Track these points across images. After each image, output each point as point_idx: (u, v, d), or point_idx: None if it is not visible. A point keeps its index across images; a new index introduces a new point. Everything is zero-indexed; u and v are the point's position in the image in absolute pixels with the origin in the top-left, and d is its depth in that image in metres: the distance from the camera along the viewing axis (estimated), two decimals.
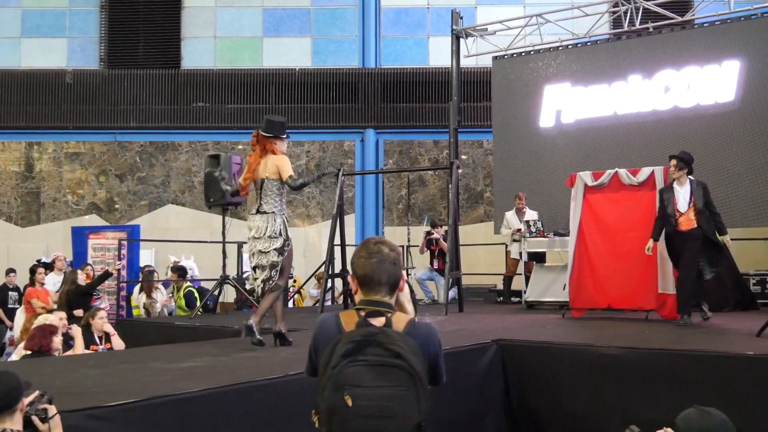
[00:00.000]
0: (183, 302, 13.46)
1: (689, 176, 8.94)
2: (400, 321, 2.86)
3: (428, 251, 13.94)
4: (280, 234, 7.47)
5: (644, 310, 9.65)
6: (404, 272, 3.07)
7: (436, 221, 14.15)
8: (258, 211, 7.59)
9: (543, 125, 15.37)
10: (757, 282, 12.17)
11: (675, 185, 8.90)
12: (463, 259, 11.76)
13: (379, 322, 2.82)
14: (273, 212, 7.52)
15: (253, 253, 7.53)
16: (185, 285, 13.55)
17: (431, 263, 13.86)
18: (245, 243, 8.18)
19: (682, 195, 8.83)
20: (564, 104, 15.20)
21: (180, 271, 14.06)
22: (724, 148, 13.51)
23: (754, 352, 5.96)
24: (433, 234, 13.68)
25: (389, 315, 2.86)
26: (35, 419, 3.52)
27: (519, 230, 12.99)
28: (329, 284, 13.19)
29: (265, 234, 7.50)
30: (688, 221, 8.74)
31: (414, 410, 2.62)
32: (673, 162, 8.90)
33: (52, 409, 3.58)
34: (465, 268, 11.89)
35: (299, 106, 19.56)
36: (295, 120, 19.55)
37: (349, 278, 3.01)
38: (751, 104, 13.37)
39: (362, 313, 2.85)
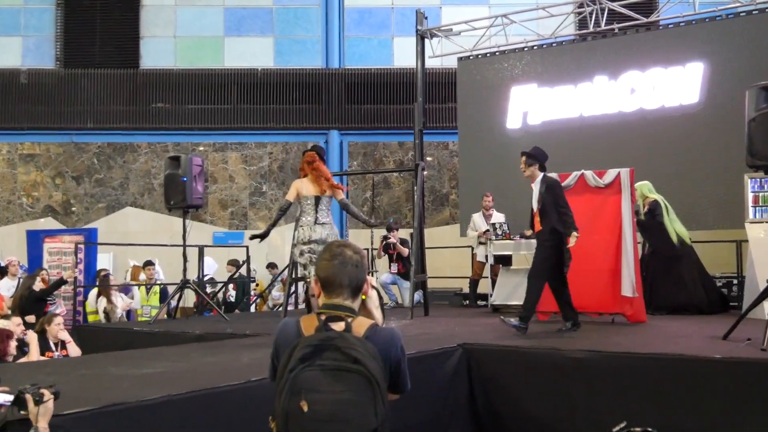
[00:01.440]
0: (158, 299, 13.41)
1: (544, 173, 8.78)
2: (360, 325, 2.86)
3: (386, 255, 13.97)
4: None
5: (610, 313, 9.72)
6: (369, 276, 3.07)
7: (392, 225, 14.19)
8: (317, 222, 9.32)
9: (510, 126, 15.45)
10: (723, 285, 12.32)
11: (532, 184, 8.81)
12: (429, 262, 11.78)
13: (339, 326, 2.82)
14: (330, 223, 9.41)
15: (311, 259, 9.15)
16: (154, 286, 13.57)
17: (390, 267, 13.90)
18: (207, 246, 9.07)
19: (534, 193, 8.73)
20: (530, 105, 15.29)
21: (234, 264, 14.79)
22: (689, 149, 13.68)
23: (722, 355, 6.02)
24: (389, 238, 13.71)
25: (350, 319, 2.85)
26: (29, 398, 3.46)
27: (486, 232, 13.03)
28: (292, 288, 13.13)
29: (327, 239, 9.11)
30: (537, 222, 8.69)
31: (370, 416, 2.62)
32: (523, 158, 8.81)
33: (48, 395, 3.52)
34: (430, 271, 11.90)
35: (262, 107, 19.48)
36: (257, 121, 19.47)
37: (312, 281, 3.03)
38: (715, 106, 13.54)
39: (323, 317, 2.85)
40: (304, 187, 9.37)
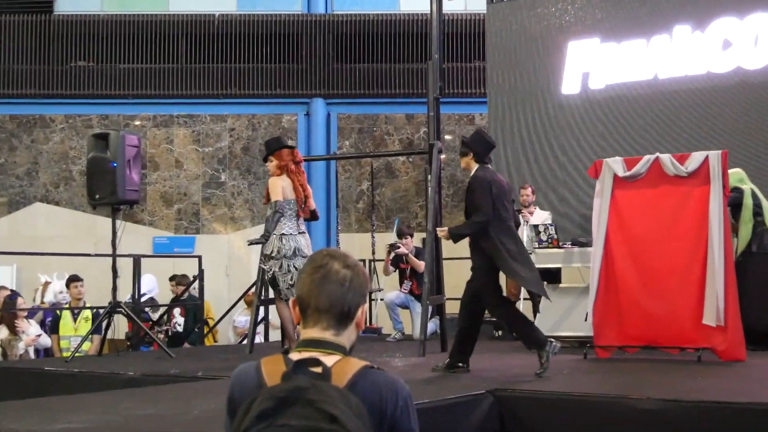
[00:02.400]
0: (89, 326, 13.38)
1: (485, 165, 9.18)
2: (345, 370, 2.83)
3: (396, 271, 13.85)
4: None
5: (695, 348, 9.72)
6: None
7: (404, 229, 14.09)
8: (299, 232, 10.38)
9: (566, 92, 15.38)
10: None
11: None
12: (448, 279, 11.76)
13: (314, 371, 2.80)
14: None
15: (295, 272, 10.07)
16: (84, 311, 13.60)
17: (401, 285, 13.79)
18: (145, 256, 9.28)
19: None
20: (591, 64, 15.25)
21: (181, 281, 15.16)
22: None
23: None
24: (399, 247, 13.55)
25: (331, 361, 2.84)
26: None
27: (519, 212, 13.09)
28: (261, 313, 13.13)
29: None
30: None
31: None
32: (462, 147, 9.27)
33: None
34: (450, 290, 11.88)
35: (220, 67, 19.49)
36: (214, 86, 19.48)
37: (290, 303, 3.02)
38: None
39: (293, 358, 2.83)
40: (288, 188, 10.20)
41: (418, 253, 13.65)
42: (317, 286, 2.90)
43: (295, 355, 2.86)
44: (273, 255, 10.18)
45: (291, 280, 10.07)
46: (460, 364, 8.98)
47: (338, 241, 18.03)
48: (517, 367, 9.49)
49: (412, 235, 14.09)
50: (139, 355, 12.39)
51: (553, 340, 8.71)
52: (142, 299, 14.23)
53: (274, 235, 10.18)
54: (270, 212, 10.25)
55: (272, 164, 10.39)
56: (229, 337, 16.62)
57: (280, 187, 10.18)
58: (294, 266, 10.15)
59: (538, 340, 8.64)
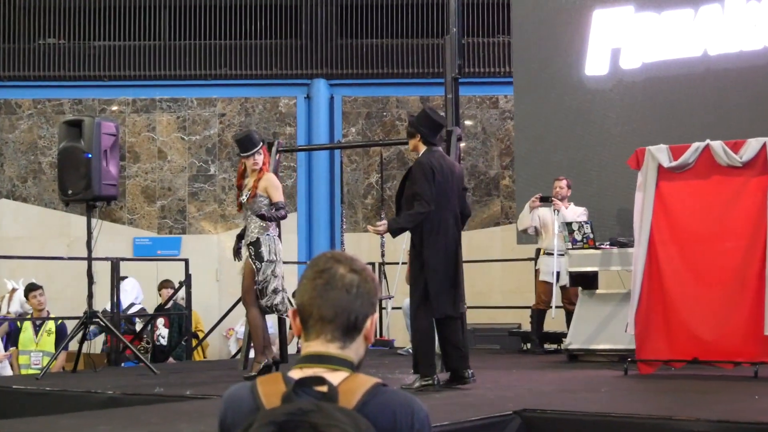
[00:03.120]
0: (53, 341, 13.39)
1: (433, 147, 9.37)
2: (354, 388, 2.82)
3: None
4: None
5: (752, 362, 9.70)
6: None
7: None
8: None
9: (591, 73, 15.38)
10: None
11: None
12: (470, 284, 11.76)
13: (319, 390, 2.79)
14: None
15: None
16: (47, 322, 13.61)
17: None
18: (125, 260, 9.33)
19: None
20: (624, 39, 15.21)
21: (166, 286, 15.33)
22: None
23: None
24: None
25: (338, 378, 2.83)
26: None
27: (545, 201, 13.15)
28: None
29: None
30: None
31: None
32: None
33: None
34: (473, 297, 11.89)
35: (208, 44, 19.50)
36: (201, 65, 19.49)
37: (290, 313, 3.00)
38: None
39: (294, 376, 2.83)
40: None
41: None
42: (320, 293, 2.86)
43: (296, 373, 2.84)
44: (271, 258, 10.30)
45: (279, 285, 10.31)
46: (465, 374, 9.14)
47: (343, 242, 17.97)
48: (547, 384, 9.49)
49: None
50: (119, 372, 12.39)
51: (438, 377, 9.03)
52: (132, 310, 14.25)
53: (268, 237, 10.33)
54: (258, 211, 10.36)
55: (261, 157, 10.53)
56: (230, 350, 16.65)
57: (279, 186, 10.40)
58: (281, 269, 10.45)
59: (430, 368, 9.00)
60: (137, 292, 15.49)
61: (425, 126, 9.34)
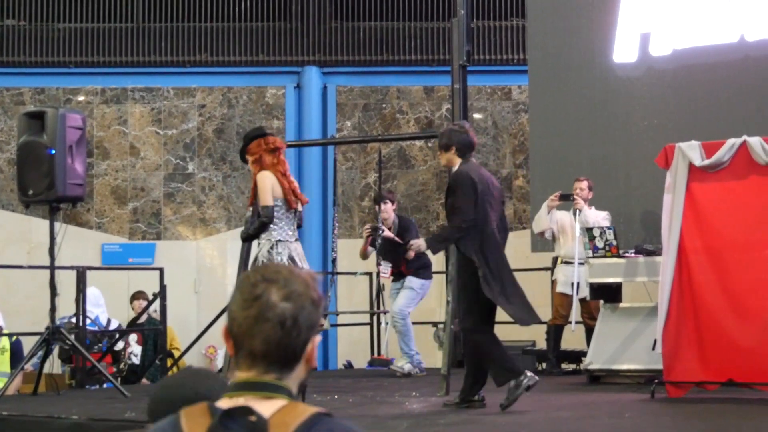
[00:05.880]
0: (8, 361, 13.39)
1: (469, 159, 9.74)
2: (288, 419, 2.82)
3: (373, 251, 13.92)
4: None
5: None
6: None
7: (384, 193, 14.19)
8: (297, 238, 10.80)
9: (619, 60, 15.38)
10: None
11: None
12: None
13: (249, 421, 2.81)
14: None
15: None
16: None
17: (378, 266, 13.83)
18: (92, 269, 9.30)
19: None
20: (654, 23, 15.21)
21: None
22: None
23: None
24: (383, 231, 13.56)
25: (270, 409, 2.83)
26: None
27: (564, 198, 13.17)
28: None
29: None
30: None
31: None
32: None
33: None
34: None
35: (186, 26, 19.52)
36: (178, 50, 19.50)
37: (222, 330, 2.99)
38: None
39: (223, 407, 2.84)
40: (277, 184, 10.32)
41: (403, 227, 13.70)
42: (250, 326, 2.87)
43: (224, 403, 2.84)
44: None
45: None
46: (475, 398, 9.30)
47: (335, 250, 17.97)
48: (565, 409, 9.49)
49: (393, 201, 14.13)
50: (85, 394, 12.38)
51: (529, 373, 9.17)
52: (92, 323, 14.22)
53: (267, 241, 10.39)
54: (249, 216, 10.58)
55: (249, 161, 10.69)
56: (217, 365, 16.65)
57: (268, 184, 10.31)
58: None
59: (513, 369, 9.16)
60: (97, 300, 15.37)
61: (460, 141, 9.67)
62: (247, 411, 2.78)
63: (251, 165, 10.55)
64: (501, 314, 16.45)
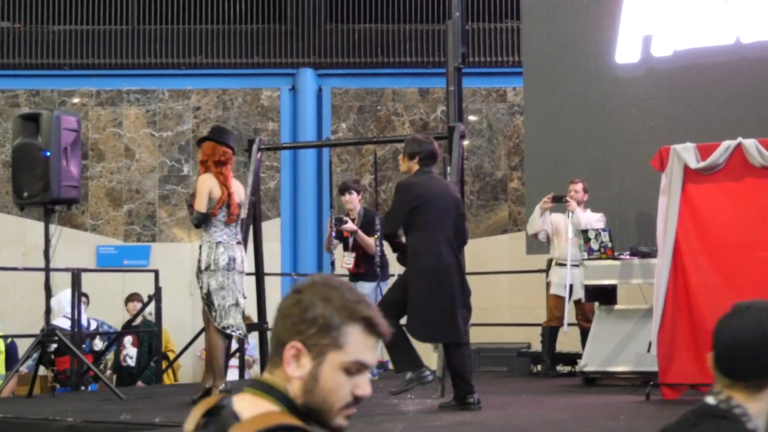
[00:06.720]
0: (2, 363, 13.37)
1: (426, 169, 9.91)
2: (249, 425, 2.85)
3: (340, 244, 13.83)
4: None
5: None
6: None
7: (350, 183, 14.11)
8: (238, 241, 10.86)
9: (621, 60, 15.34)
10: None
11: None
12: (474, 299, 11.75)
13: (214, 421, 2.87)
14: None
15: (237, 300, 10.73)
16: None
17: (345, 262, 13.73)
18: (87, 271, 9.40)
19: None
20: (655, 25, 15.18)
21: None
22: None
23: None
24: (346, 223, 13.36)
25: (259, 409, 2.86)
26: None
27: (557, 200, 13.14)
28: (234, 344, 13.12)
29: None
30: None
31: None
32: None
33: None
34: (478, 313, 11.87)
35: (182, 28, 19.51)
36: (173, 53, 19.49)
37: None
38: None
39: (231, 401, 2.89)
40: (217, 188, 10.54)
41: (367, 219, 13.59)
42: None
43: (238, 397, 2.92)
44: (209, 267, 10.43)
45: (230, 299, 10.49)
46: (470, 400, 9.39)
47: (333, 252, 17.96)
48: (560, 411, 9.50)
49: (359, 191, 14.04)
50: (80, 396, 12.38)
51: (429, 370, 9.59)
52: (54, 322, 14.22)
53: (208, 243, 10.53)
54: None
55: (203, 156, 10.84)
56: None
57: (207, 191, 10.49)
58: (233, 280, 10.53)
59: (416, 361, 9.57)
60: (63, 305, 15.26)
61: (425, 151, 9.84)
62: (217, 409, 2.84)
63: (199, 164, 10.84)
64: (499, 316, 16.48)
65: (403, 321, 9.78)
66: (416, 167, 9.81)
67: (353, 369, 2.90)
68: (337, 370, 2.89)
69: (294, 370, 2.90)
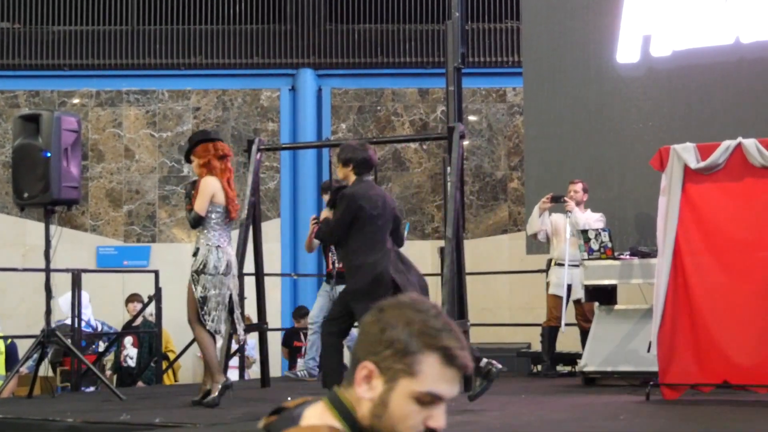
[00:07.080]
0: (2, 363, 13.35)
1: (364, 178, 10.15)
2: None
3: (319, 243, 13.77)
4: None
5: None
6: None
7: (333, 183, 14.04)
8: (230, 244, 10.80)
9: (622, 60, 15.33)
10: None
11: None
12: (473, 299, 11.77)
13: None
14: None
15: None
16: None
17: (327, 265, 13.68)
18: (87, 271, 9.36)
19: None
20: (654, 25, 15.18)
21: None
22: None
23: None
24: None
25: (316, 421, 2.88)
26: None
27: (556, 200, 13.13)
28: (233, 344, 13.11)
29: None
30: None
31: None
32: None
33: None
34: (476, 313, 11.90)
35: (182, 29, 19.49)
36: (173, 53, 19.49)
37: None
38: None
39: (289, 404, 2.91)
40: (220, 192, 10.54)
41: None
42: None
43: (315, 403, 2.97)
44: (207, 271, 10.40)
45: (224, 301, 10.47)
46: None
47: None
48: (560, 411, 9.49)
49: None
50: (79, 397, 12.36)
51: None
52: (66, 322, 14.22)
53: (207, 247, 10.45)
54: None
55: (194, 163, 10.72)
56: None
57: (210, 195, 10.43)
58: (228, 286, 10.53)
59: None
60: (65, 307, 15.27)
61: (358, 159, 10.05)
62: (277, 410, 2.85)
63: (196, 168, 10.65)
64: (499, 316, 16.48)
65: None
66: (352, 175, 10.01)
67: (426, 399, 2.85)
68: (408, 399, 2.84)
69: (365, 392, 2.87)
